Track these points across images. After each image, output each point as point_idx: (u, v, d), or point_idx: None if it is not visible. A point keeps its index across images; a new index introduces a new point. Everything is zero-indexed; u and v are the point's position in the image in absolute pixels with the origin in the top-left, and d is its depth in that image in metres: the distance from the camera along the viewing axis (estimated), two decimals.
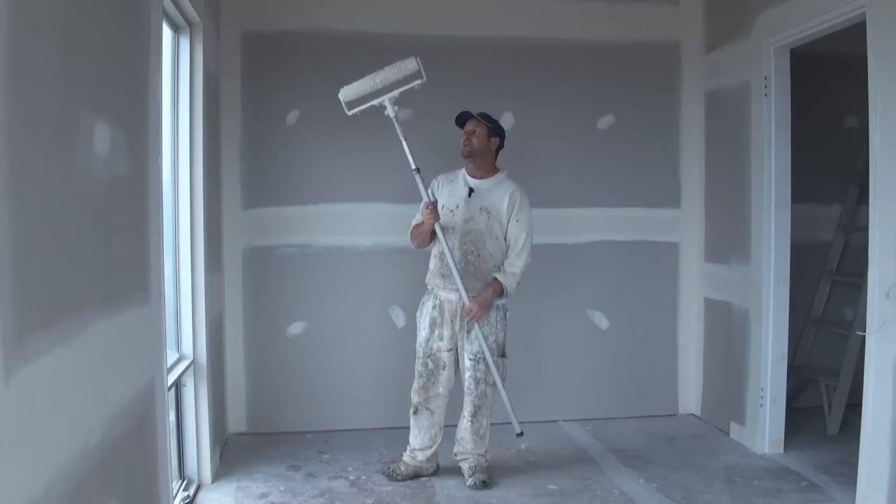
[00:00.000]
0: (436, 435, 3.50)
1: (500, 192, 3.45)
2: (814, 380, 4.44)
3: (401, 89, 3.33)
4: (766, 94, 3.80)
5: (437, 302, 3.44)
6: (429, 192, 3.44)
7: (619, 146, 4.47)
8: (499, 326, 3.46)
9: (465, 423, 3.49)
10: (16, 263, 1.35)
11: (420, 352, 3.46)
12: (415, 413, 3.48)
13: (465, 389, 3.46)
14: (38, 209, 1.49)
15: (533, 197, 4.38)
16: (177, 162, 3.26)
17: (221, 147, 4.06)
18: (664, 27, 4.49)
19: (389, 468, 3.53)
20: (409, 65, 3.30)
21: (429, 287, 3.50)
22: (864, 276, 3.14)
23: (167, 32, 3.07)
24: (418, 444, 3.50)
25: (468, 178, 3.49)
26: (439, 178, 3.54)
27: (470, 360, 3.41)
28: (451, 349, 3.44)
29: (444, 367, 3.44)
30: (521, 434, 3.43)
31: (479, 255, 3.39)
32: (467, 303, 3.32)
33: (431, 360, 3.44)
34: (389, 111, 3.34)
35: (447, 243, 3.34)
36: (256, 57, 4.16)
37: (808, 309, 4.59)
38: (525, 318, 4.44)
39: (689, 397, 4.61)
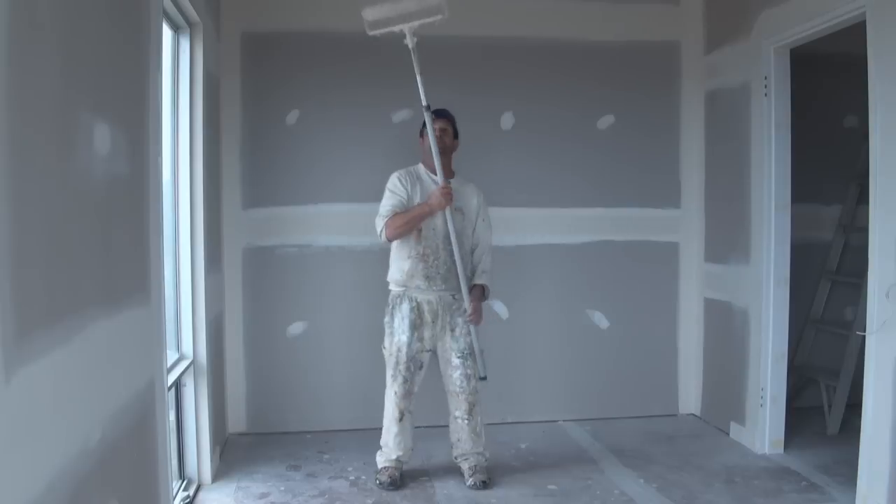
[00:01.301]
0: (413, 433, 3.51)
1: (467, 193, 3.49)
2: (814, 380, 4.44)
3: (421, 21, 3.23)
4: (766, 94, 3.80)
5: (415, 304, 3.40)
6: (399, 185, 3.41)
7: (619, 146, 4.48)
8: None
9: (461, 424, 3.47)
10: (16, 263, 1.35)
11: (399, 356, 3.39)
12: (400, 419, 3.44)
13: (457, 388, 3.43)
14: (38, 209, 1.49)
15: (533, 197, 4.41)
16: (177, 162, 3.26)
17: (221, 147, 4.06)
18: (664, 27, 4.50)
19: (387, 479, 3.41)
20: None
21: (400, 290, 3.43)
22: (864, 276, 3.14)
23: (167, 32, 3.08)
24: (402, 449, 3.46)
25: (433, 177, 3.43)
26: (401, 173, 3.47)
27: (458, 357, 3.42)
28: (430, 349, 3.45)
29: (422, 367, 3.45)
30: (485, 378, 3.44)
31: (450, 254, 3.39)
32: (468, 303, 3.38)
33: (413, 363, 3.40)
34: (409, 41, 3.26)
35: (430, 244, 3.37)
36: (256, 57, 4.16)
37: (808, 309, 4.59)
38: (525, 318, 4.45)
39: (689, 397, 4.61)
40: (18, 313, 1.35)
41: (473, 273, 3.47)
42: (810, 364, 4.56)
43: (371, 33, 3.27)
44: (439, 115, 3.45)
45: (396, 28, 3.25)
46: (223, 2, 4.06)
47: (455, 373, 3.43)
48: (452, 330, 3.42)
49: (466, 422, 3.46)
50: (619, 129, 4.48)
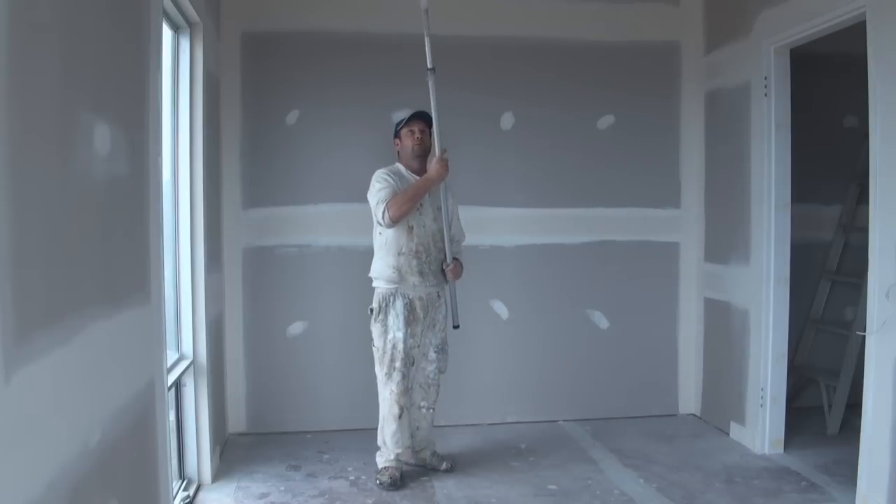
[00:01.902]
0: (410, 431, 3.57)
1: (442, 192, 3.51)
2: (814, 380, 4.44)
3: None
4: (766, 94, 3.80)
5: (407, 301, 3.44)
6: (388, 177, 3.41)
7: (620, 146, 4.48)
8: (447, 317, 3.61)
9: (425, 413, 3.61)
10: (16, 263, 1.35)
11: (395, 353, 3.42)
12: (400, 416, 3.45)
13: (431, 380, 3.58)
14: (38, 209, 1.49)
15: (533, 197, 4.41)
16: (177, 162, 3.26)
17: (221, 147, 4.06)
18: (664, 27, 4.50)
19: (388, 479, 3.41)
20: None
21: (392, 287, 3.43)
22: (864, 276, 3.14)
23: (167, 32, 3.08)
24: (401, 446, 3.48)
25: (415, 176, 3.49)
26: (385, 170, 3.48)
27: (435, 352, 3.56)
28: (419, 345, 3.51)
29: (414, 362, 3.51)
30: (458, 327, 3.54)
31: (440, 251, 3.49)
32: (450, 258, 3.48)
33: (408, 359, 3.46)
34: (423, 2, 3.26)
35: (422, 241, 3.43)
36: (256, 57, 4.16)
37: (808, 309, 4.59)
38: (525, 318, 4.45)
39: (689, 397, 4.61)
40: (18, 313, 1.36)
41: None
42: (810, 364, 4.56)
43: None
44: (419, 116, 3.50)
45: None
46: (223, 2, 4.06)
47: (430, 366, 3.57)
48: (434, 326, 3.54)
49: (432, 411, 3.63)
50: (619, 130, 4.48)
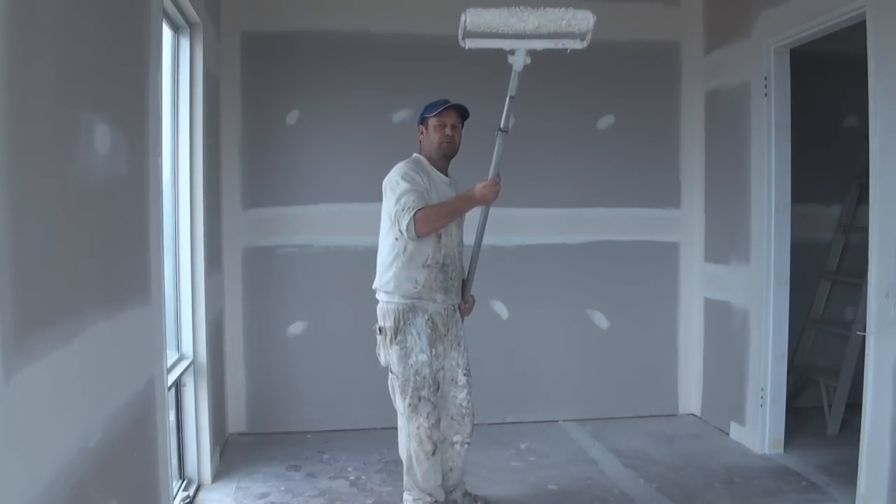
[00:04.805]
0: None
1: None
2: (814, 380, 4.44)
3: (548, 46, 2.61)
4: (766, 94, 3.80)
5: (428, 317, 2.94)
6: (417, 176, 2.90)
7: (620, 146, 4.48)
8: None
9: (458, 450, 3.06)
10: (16, 264, 1.35)
11: (417, 380, 2.87)
12: (433, 454, 2.89)
13: (464, 410, 3.02)
14: (38, 209, 1.49)
15: (533, 197, 4.41)
16: (177, 162, 3.27)
17: (221, 147, 4.07)
18: (664, 27, 4.50)
19: None
20: (582, 20, 2.59)
21: (410, 302, 2.92)
22: (864, 276, 3.14)
23: (167, 32, 3.08)
24: (435, 483, 2.95)
25: (443, 176, 3.04)
26: (411, 165, 2.96)
27: (464, 375, 3.03)
28: (443, 367, 3.04)
29: (438, 388, 2.98)
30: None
31: (461, 263, 3.11)
32: (467, 294, 3.12)
33: (435, 385, 2.92)
34: (518, 63, 2.63)
35: (448, 252, 2.97)
36: (256, 57, 4.16)
37: (808, 309, 4.59)
38: (525, 318, 4.45)
39: (689, 397, 4.61)
40: (18, 314, 1.36)
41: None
42: (810, 364, 4.56)
43: (467, 46, 2.59)
44: (455, 108, 3.00)
45: (507, 47, 2.59)
46: (223, 2, 4.06)
47: (461, 393, 3.02)
48: (458, 344, 3.05)
49: (466, 447, 3.07)
50: (619, 130, 4.48)
